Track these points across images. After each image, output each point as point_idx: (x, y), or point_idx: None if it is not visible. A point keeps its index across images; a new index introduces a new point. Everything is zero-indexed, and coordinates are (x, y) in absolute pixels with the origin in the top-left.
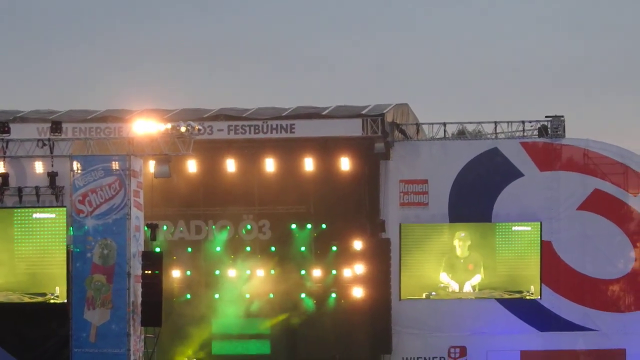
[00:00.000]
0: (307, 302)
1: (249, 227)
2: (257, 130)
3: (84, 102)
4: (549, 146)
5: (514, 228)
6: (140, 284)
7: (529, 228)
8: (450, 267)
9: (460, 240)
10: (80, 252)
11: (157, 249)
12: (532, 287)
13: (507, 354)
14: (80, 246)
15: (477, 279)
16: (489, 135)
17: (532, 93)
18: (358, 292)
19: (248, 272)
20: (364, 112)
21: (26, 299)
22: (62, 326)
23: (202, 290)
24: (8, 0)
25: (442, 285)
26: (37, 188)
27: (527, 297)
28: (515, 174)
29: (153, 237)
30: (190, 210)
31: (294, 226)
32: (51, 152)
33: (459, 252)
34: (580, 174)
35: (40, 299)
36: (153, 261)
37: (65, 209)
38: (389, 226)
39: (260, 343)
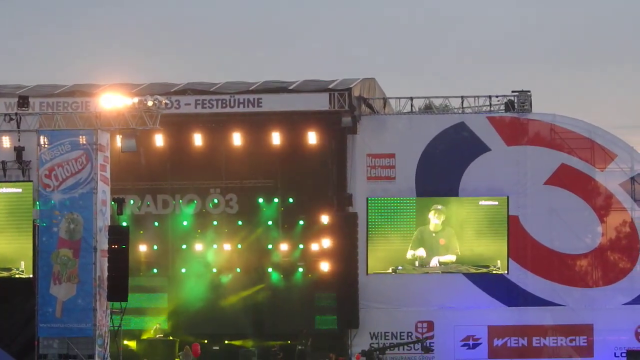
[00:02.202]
0: (274, 276)
1: (215, 201)
2: (224, 105)
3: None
4: (516, 121)
5: (480, 202)
6: (106, 259)
7: (496, 203)
8: (420, 242)
9: (437, 212)
10: (47, 226)
11: (124, 224)
12: (499, 262)
13: (475, 329)
14: (47, 220)
15: (450, 258)
16: (455, 110)
17: (499, 68)
18: (325, 267)
19: (215, 246)
20: (330, 86)
21: None
22: (27, 301)
23: (169, 265)
24: None
25: (414, 254)
26: (3, 162)
27: (494, 272)
28: (482, 148)
29: (120, 212)
30: (157, 184)
31: (261, 200)
32: (18, 127)
33: (432, 226)
34: (547, 149)
35: (5, 274)
36: (120, 236)
37: (32, 183)
38: (356, 200)
39: (228, 317)
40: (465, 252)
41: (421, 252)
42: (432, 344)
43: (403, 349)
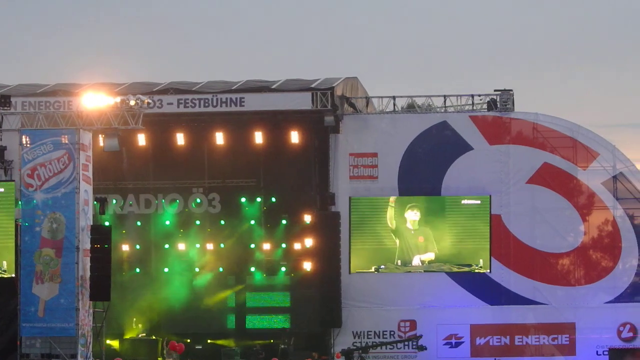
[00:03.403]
0: (257, 275)
1: (198, 200)
2: (206, 104)
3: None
4: (498, 120)
5: (463, 201)
6: (89, 258)
7: (478, 201)
8: (400, 238)
9: (413, 208)
10: (29, 226)
11: (106, 223)
12: (481, 260)
13: (457, 328)
14: (29, 220)
15: (430, 256)
16: (438, 109)
17: (482, 67)
18: (308, 266)
19: (198, 245)
20: (313, 85)
21: None
22: (9, 300)
23: (152, 264)
24: None
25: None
26: None
27: (477, 271)
28: (465, 147)
29: (102, 211)
30: (139, 184)
31: (243, 199)
32: (0, 126)
33: (410, 223)
34: (530, 148)
35: None
36: (102, 235)
37: (14, 183)
38: (339, 199)
39: (210, 316)
40: (447, 251)
41: (429, 255)
42: (414, 345)
43: (386, 348)
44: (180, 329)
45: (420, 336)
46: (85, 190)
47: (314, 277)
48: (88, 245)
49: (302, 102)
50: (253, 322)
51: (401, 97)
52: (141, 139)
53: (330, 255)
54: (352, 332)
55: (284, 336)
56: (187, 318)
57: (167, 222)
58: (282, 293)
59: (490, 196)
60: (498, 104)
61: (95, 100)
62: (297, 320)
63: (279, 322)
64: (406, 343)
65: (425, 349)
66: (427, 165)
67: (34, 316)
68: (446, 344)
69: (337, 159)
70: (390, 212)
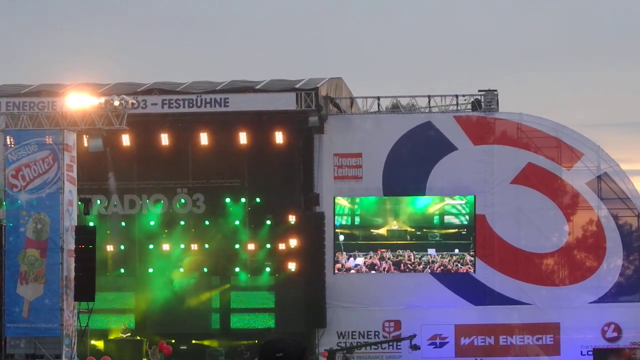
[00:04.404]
0: (242, 276)
1: (183, 201)
2: (191, 104)
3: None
4: (483, 120)
5: (447, 202)
6: (73, 259)
7: (462, 202)
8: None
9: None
10: (14, 226)
11: (91, 224)
12: (467, 260)
13: (442, 328)
14: (14, 220)
15: None
16: (422, 109)
17: (466, 67)
18: (292, 266)
19: (182, 246)
20: (297, 86)
21: None
22: None
23: (136, 265)
24: None
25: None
26: None
27: (461, 271)
28: (449, 147)
29: (86, 212)
30: (124, 184)
31: (228, 200)
32: None
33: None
34: (514, 148)
35: None
36: (86, 235)
37: None
38: (323, 200)
39: (195, 317)
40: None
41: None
42: (399, 346)
43: (370, 348)
44: (164, 329)
45: (414, 335)
46: (70, 191)
47: (299, 278)
48: (72, 246)
49: (287, 102)
50: (238, 322)
51: (385, 97)
52: (125, 140)
53: (314, 255)
54: (337, 332)
55: (268, 336)
56: (172, 318)
57: (152, 223)
58: (266, 293)
59: (474, 196)
60: (482, 104)
61: (79, 101)
62: (282, 321)
63: (264, 322)
64: (391, 343)
65: (419, 348)
66: (411, 166)
67: (18, 317)
68: (431, 344)
69: (322, 159)
70: None
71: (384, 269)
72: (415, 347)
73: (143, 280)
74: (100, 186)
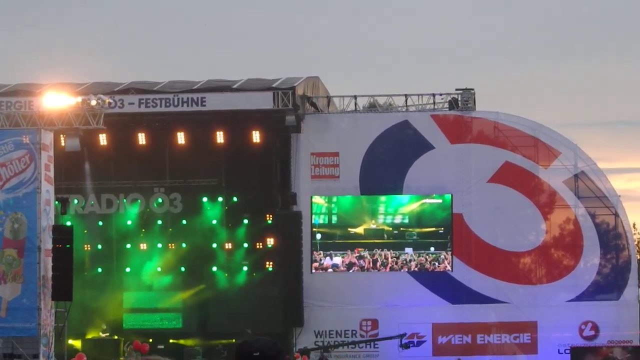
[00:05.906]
0: (219, 275)
1: (160, 200)
2: (168, 104)
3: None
4: (460, 119)
5: (424, 200)
6: (50, 258)
7: (440, 200)
8: None
9: None
10: None
11: (68, 223)
12: (444, 259)
13: (419, 327)
14: None
15: None
16: (399, 108)
17: (443, 66)
18: (269, 265)
19: (159, 245)
20: (274, 85)
21: None
22: None
23: (113, 264)
24: None
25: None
26: None
27: (438, 270)
28: (426, 146)
29: (64, 211)
30: (101, 183)
31: (205, 199)
32: None
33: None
34: (491, 147)
35: None
36: (64, 235)
37: None
38: (300, 199)
39: (172, 317)
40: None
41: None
42: (376, 345)
43: (348, 347)
44: (142, 328)
45: (405, 334)
46: (47, 190)
47: (276, 277)
48: (50, 245)
49: (264, 101)
50: (214, 321)
51: (362, 96)
52: (102, 139)
53: (292, 254)
54: (314, 331)
55: (246, 335)
56: (149, 318)
57: (129, 222)
58: (244, 292)
59: (452, 195)
60: (459, 103)
61: (56, 100)
62: (259, 320)
63: (241, 321)
64: (368, 343)
65: (409, 347)
66: (388, 165)
67: None
68: (408, 342)
69: (299, 158)
70: None
71: (362, 267)
72: (405, 346)
73: (120, 280)
74: (78, 186)
